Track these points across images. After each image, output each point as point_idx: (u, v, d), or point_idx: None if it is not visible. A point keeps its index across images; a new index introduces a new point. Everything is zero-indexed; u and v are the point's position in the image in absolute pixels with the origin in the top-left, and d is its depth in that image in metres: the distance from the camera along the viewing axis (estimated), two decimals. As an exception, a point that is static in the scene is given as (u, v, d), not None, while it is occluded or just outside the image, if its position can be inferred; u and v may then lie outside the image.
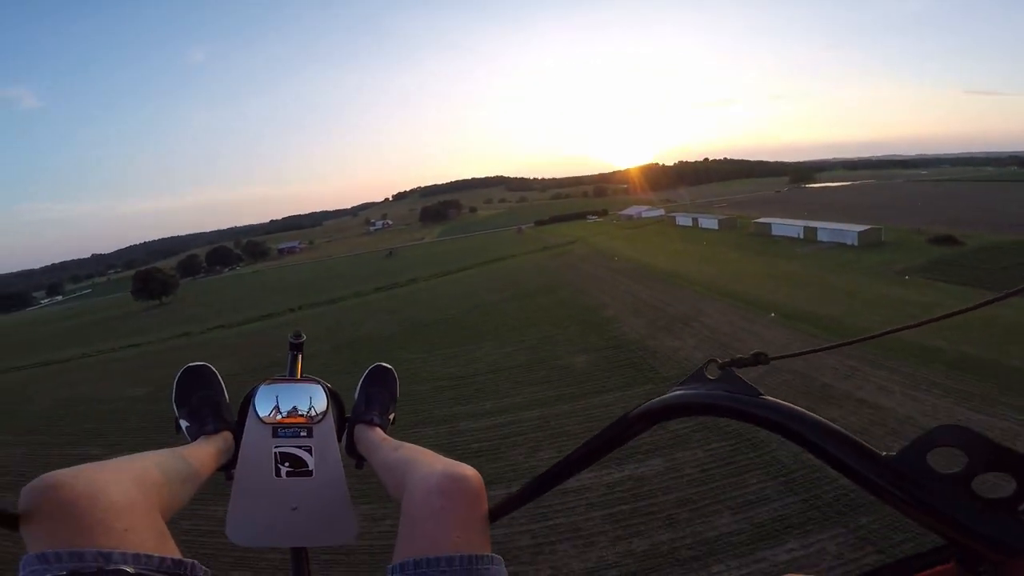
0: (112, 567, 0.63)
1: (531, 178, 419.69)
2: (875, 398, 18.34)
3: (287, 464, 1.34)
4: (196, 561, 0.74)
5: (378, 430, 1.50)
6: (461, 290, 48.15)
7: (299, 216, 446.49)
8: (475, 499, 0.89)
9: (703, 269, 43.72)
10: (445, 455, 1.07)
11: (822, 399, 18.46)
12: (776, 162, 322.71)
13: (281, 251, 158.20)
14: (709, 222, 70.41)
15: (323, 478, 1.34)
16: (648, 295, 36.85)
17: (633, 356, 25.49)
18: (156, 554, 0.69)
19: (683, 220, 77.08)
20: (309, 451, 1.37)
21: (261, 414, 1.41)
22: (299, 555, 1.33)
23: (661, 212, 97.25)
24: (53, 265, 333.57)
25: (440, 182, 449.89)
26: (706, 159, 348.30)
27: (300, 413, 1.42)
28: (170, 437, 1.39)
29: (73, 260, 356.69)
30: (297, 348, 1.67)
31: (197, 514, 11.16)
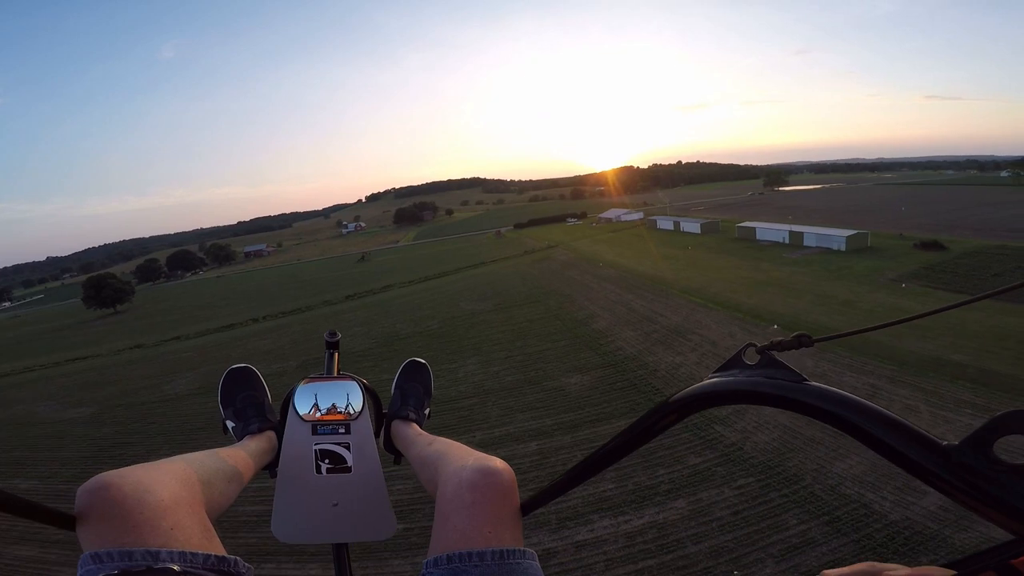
0: (160, 565, 0.66)
1: (508, 180, 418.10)
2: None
3: (327, 461, 1.35)
4: (239, 558, 0.77)
5: (414, 425, 1.50)
6: (440, 299, 45.38)
7: (268, 217, 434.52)
8: (507, 493, 0.90)
9: (691, 275, 42.11)
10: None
11: None
12: (748, 165, 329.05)
13: (247, 254, 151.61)
14: (691, 226, 69.36)
15: (362, 474, 1.35)
16: (639, 304, 34.88)
17: (632, 375, 23.33)
18: (201, 551, 0.72)
19: (664, 223, 75.93)
20: (348, 447, 1.37)
21: (301, 412, 1.41)
22: (340, 551, 1.31)
23: (640, 215, 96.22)
24: (5, 268, 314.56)
25: (415, 183, 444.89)
26: (679, 162, 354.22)
27: (338, 410, 1.42)
28: (217, 436, 1.39)
29: (28, 263, 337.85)
30: (333, 346, 1.64)
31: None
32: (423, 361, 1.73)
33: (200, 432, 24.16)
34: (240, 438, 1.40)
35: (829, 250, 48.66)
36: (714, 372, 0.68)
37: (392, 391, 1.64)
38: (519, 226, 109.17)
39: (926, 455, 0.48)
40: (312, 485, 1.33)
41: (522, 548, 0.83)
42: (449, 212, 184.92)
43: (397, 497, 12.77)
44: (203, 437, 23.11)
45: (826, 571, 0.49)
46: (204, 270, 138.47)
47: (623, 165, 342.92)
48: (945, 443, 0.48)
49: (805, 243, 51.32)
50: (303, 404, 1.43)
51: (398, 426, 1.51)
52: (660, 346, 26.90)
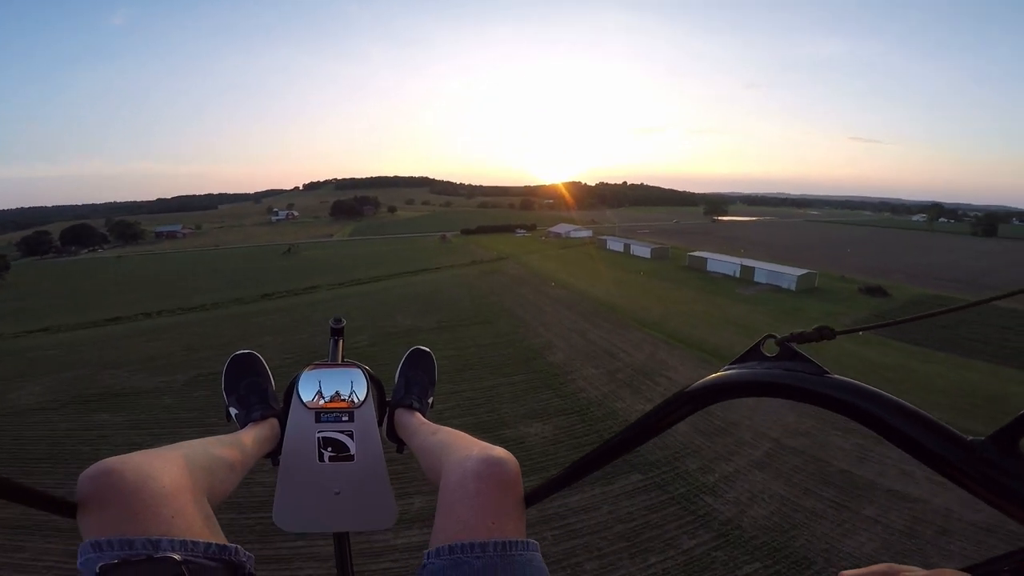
0: (160, 554, 0.65)
1: (458, 183, 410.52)
2: (904, 487, 15.97)
3: (329, 449, 1.34)
4: (239, 546, 0.76)
5: (417, 414, 1.49)
6: (374, 308, 40.06)
7: (192, 197, 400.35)
8: (510, 484, 0.89)
9: (648, 306, 39.68)
10: None
11: (849, 491, 15.95)
12: (689, 192, 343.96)
13: (159, 235, 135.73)
14: (641, 250, 68.10)
15: (364, 463, 1.34)
16: (597, 336, 31.64)
17: (601, 426, 19.71)
18: (202, 540, 0.71)
19: (614, 245, 74.40)
20: (351, 436, 1.37)
21: (304, 399, 1.41)
22: (341, 540, 1.32)
23: (589, 233, 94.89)
24: None
25: (360, 176, 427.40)
26: (625, 183, 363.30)
27: (342, 398, 1.42)
28: (220, 423, 1.40)
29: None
30: (338, 333, 1.64)
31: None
32: (427, 350, 1.70)
33: (41, 463, 17.97)
34: (243, 425, 1.38)
35: (779, 288, 48.28)
36: (730, 363, 0.66)
37: (395, 379, 1.62)
38: (467, 232, 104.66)
39: (950, 449, 0.48)
40: (314, 473, 1.31)
41: (525, 539, 0.83)
42: (392, 209, 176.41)
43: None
44: (41, 472, 17.01)
45: (844, 572, 0.49)
46: (104, 248, 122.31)
47: (572, 180, 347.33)
48: (970, 438, 0.48)
49: (756, 278, 50.82)
50: (307, 391, 1.42)
51: (401, 415, 1.49)
52: (626, 389, 23.63)
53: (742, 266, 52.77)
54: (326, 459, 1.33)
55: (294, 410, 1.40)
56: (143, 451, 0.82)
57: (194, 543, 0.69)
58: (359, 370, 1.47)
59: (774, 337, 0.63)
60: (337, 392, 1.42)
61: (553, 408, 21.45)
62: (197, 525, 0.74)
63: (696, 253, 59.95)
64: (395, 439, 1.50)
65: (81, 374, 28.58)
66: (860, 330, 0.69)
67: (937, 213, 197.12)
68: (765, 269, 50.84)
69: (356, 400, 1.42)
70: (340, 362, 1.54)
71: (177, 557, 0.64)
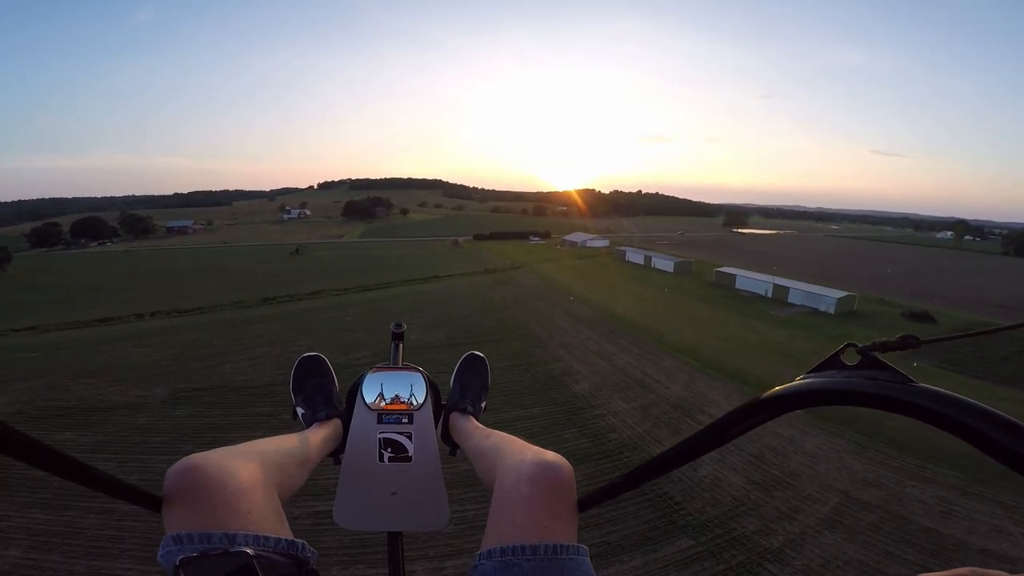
0: (235, 548, 0.68)
1: (471, 186, 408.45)
2: (998, 545, 13.87)
3: (389, 450, 1.38)
4: (305, 541, 0.79)
5: (471, 419, 1.51)
6: (379, 318, 37.17)
7: (208, 192, 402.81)
8: (564, 488, 0.90)
9: (677, 327, 36.36)
10: None
11: (937, 553, 13.61)
12: (707, 203, 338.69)
13: (170, 230, 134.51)
14: (663, 263, 64.62)
15: (421, 464, 1.38)
16: (626, 361, 28.42)
17: (647, 486, 16.63)
18: (273, 535, 0.75)
19: (634, 256, 71.01)
20: (409, 437, 1.41)
21: (368, 401, 1.45)
22: (395, 539, 1.32)
23: (606, 243, 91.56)
24: None
25: (374, 177, 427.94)
26: (640, 191, 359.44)
27: (402, 400, 1.46)
28: (287, 422, 1.43)
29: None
30: (398, 337, 1.71)
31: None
32: (481, 355, 1.73)
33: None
34: (308, 424, 1.43)
35: (816, 311, 44.73)
36: (807, 373, 0.64)
37: (451, 384, 1.65)
38: (479, 237, 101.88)
39: None
40: (374, 473, 1.34)
41: (576, 544, 0.83)
42: (404, 212, 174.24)
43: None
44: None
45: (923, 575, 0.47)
46: (114, 241, 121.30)
47: (585, 187, 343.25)
48: None
49: (790, 299, 47.24)
50: (370, 393, 1.46)
51: (456, 418, 1.51)
52: (664, 428, 20.44)
53: (775, 285, 49.18)
54: (386, 459, 1.36)
55: (358, 411, 1.44)
56: (224, 448, 0.89)
57: (266, 538, 0.73)
58: (419, 374, 1.52)
59: (855, 346, 0.60)
60: (397, 395, 1.47)
61: (580, 452, 18.30)
62: (269, 520, 0.79)
63: (724, 269, 56.42)
64: (449, 442, 1.51)
65: (55, 382, 26.10)
66: (947, 339, 0.63)
67: (963, 231, 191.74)
68: (801, 290, 47.23)
69: (415, 403, 1.46)
70: (400, 365, 1.57)
71: (250, 551, 0.67)
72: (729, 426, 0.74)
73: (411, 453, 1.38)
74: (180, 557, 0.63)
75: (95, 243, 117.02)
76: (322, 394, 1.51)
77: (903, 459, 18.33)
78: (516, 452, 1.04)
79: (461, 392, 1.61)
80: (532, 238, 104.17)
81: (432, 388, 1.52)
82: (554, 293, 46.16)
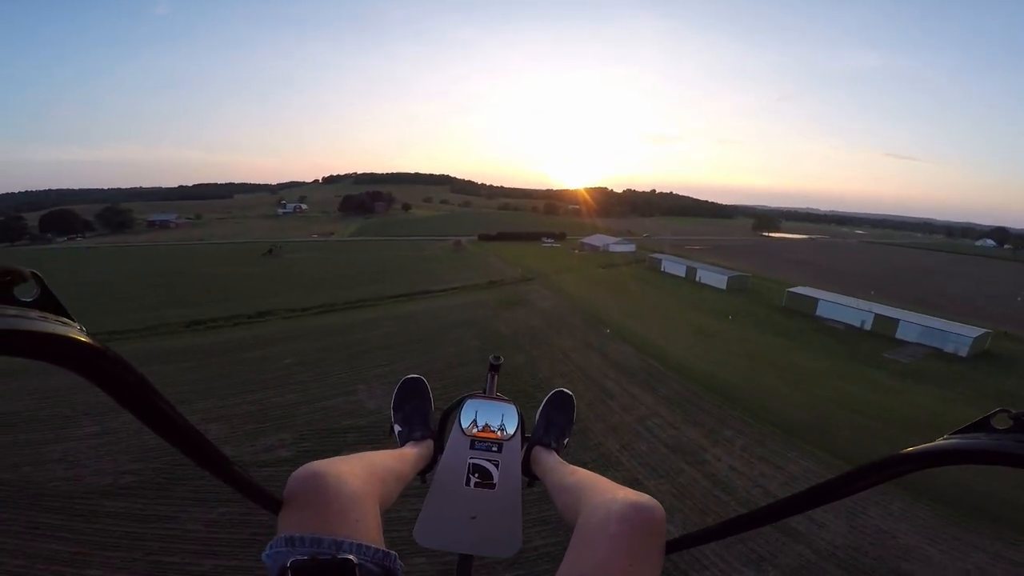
0: (341, 555, 0.71)
1: (479, 183, 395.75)
2: None
3: (476, 475, 1.42)
4: (396, 553, 0.81)
5: (554, 453, 1.54)
6: (335, 363, 25.60)
7: (211, 185, 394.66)
8: (654, 530, 0.86)
9: (773, 385, 24.35)
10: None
11: None
12: (726, 205, 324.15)
13: (151, 224, 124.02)
14: (712, 277, 52.23)
15: (503, 492, 1.40)
16: (727, 467, 16.49)
17: None
18: (373, 545, 0.77)
19: (672, 267, 58.66)
20: (496, 465, 1.44)
21: (463, 425, 1.51)
22: (466, 562, 1.33)
23: (633, 247, 79.13)
24: None
25: (380, 171, 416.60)
26: (654, 191, 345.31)
27: (493, 429, 1.51)
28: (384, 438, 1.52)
29: None
30: (495, 369, 1.74)
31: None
32: (569, 392, 1.75)
33: None
34: (403, 443, 1.50)
35: (940, 353, 32.54)
36: (952, 434, 0.61)
37: (536, 418, 1.67)
38: (485, 237, 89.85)
39: None
40: (460, 496, 1.38)
41: None
42: (407, 207, 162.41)
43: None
44: None
45: None
46: (87, 236, 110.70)
47: (597, 186, 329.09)
48: None
49: (900, 335, 34.94)
50: (466, 418, 1.52)
51: (539, 452, 1.54)
52: None
53: (876, 315, 36.86)
54: (472, 484, 1.40)
55: (454, 434, 1.50)
56: (341, 457, 0.95)
57: (367, 547, 0.76)
58: (512, 406, 1.59)
59: (1008, 411, 0.57)
60: (488, 424, 1.52)
61: None
62: (372, 531, 0.81)
63: (798, 290, 43.95)
64: (529, 474, 1.52)
65: None
66: None
67: (1002, 238, 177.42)
68: (915, 323, 34.90)
69: (506, 433, 1.51)
70: (495, 396, 1.64)
71: (354, 559, 0.70)
72: (853, 480, 0.68)
73: (496, 480, 1.41)
74: (292, 559, 0.67)
75: (64, 238, 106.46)
76: (419, 415, 1.58)
77: None
78: (606, 490, 1.01)
79: (546, 427, 1.62)
80: (545, 240, 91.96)
81: (522, 421, 1.57)
82: (582, 321, 34.16)
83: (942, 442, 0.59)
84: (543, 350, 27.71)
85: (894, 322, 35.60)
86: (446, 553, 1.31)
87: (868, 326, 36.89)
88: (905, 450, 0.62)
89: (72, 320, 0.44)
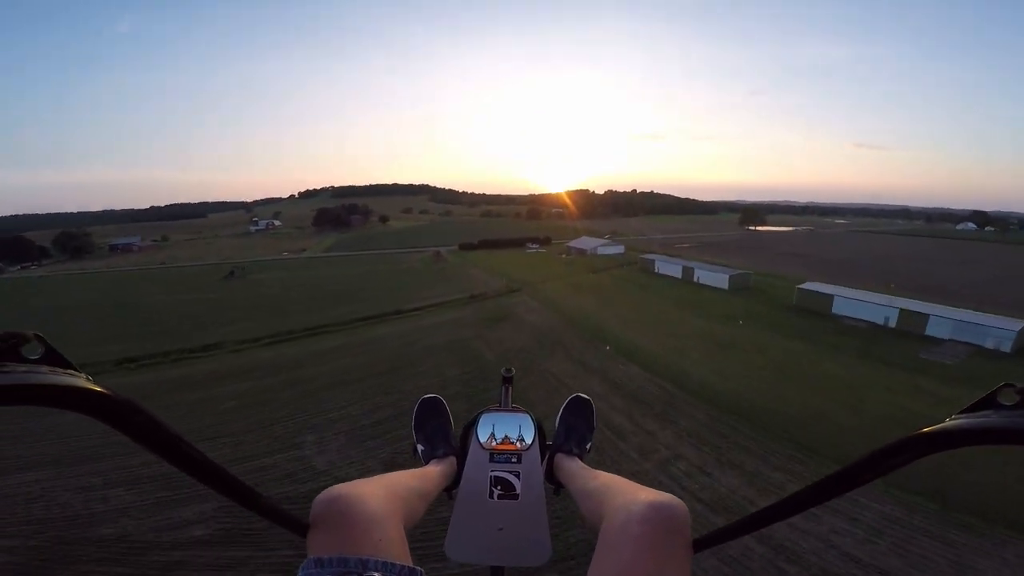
0: (367, 574, 0.74)
1: (460, 191, 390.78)
2: None
3: (499, 487, 1.43)
4: (423, 569, 0.82)
5: (577, 459, 1.53)
6: (275, 406, 20.94)
7: (185, 205, 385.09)
8: (678, 529, 0.86)
9: (812, 404, 20.32)
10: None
11: None
12: (702, 200, 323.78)
13: (113, 248, 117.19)
14: (712, 277, 48.39)
15: (527, 502, 1.41)
16: (788, 528, 12.23)
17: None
18: (398, 562, 0.79)
19: (667, 267, 54.81)
20: (517, 476, 1.45)
21: (481, 439, 1.53)
22: (498, 573, 1.38)
23: (622, 249, 75.38)
24: None
25: (359, 184, 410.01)
26: (635, 191, 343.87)
27: (511, 440, 1.53)
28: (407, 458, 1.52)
29: None
30: (508, 381, 1.76)
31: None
32: (587, 398, 1.73)
33: None
34: (427, 461, 1.52)
35: (980, 349, 28.95)
36: (958, 413, 0.59)
37: (556, 425, 1.67)
38: (466, 247, 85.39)
39: None
40: (484, 509, 1.40)
41: None
42: (384, 219, 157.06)
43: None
44: None
45: None
46: (43, 264, 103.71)
47: (578, 188, 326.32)
48: None
49: (930, 331, 31.30)
50: (483, 432, 1.55)
51: (561, 459, 1.53)
52: None
53: (901, 310, 33.21)
54: (495, 496, 1.41)
55: (472, 450, 1.52)
56: (362, 480, 0.97)
57: (392, 564, 0.77)
58: (527, 416, 1.60)
59: (1013, 386, 0.56)
60: (507, 435, 1.54)
61: None
62: (396, 548, 0.83)
63: (809, 286, 40.19)
64: (554, 481, 1.52)
65: None
66: None
67: (982, 221, 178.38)
68: (947, 318, 31.26)
69: (524, 443, 1.53)
70: (510, 407, 1.66)
71: None
72: (869, 467, 0.67)
73: (518, 491, 1.42)
74: None
75: (16, 267, 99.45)
76: (440, 433, 1.60)
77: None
78: (627, 492, 1.01)
79: (566, 434, 1.61)
80: (530, 245, 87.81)
81: (539, 429, 1.58)
82: (578, 338, 29.86)
83: (951, 423, 0.58)
84: (533, 377, 23.33)
85: (923, 317, 31.95)
86: (478, 567, 1.30)
87: (893, 323, 33.21)
88: (915, 432, 0.61)
89: (78, 371, 0.50)
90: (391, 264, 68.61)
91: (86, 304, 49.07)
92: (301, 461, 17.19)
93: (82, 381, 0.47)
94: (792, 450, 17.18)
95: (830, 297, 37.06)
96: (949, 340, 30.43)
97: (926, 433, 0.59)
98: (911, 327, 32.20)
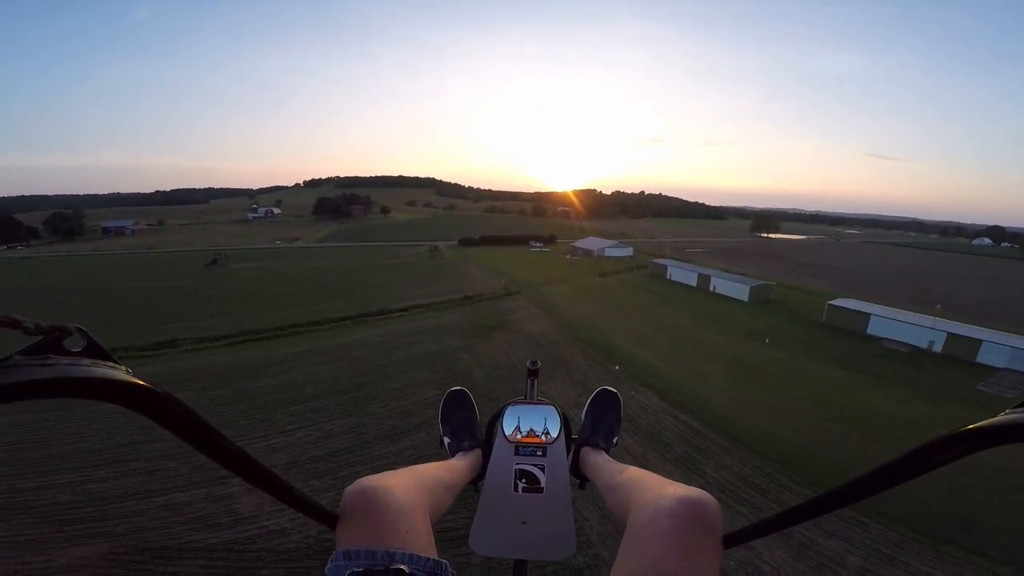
0: (394, 566, 0.74)
1: (465, 185, 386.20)
2: None
3: (523, 480, 1.42)
4: (448, 562, 0.82)
5: (603, 453, 1.51)
6: (232, 416, 17.21)
7: (189, 190, 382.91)
8: (708, 524, 0.82)
9: (880, 455, 16.55)
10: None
11: None
12: (710, 205, 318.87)
13: (106, 231, 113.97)
14: (731, 287, 44.39)
15: (551, 495, 1.40)
16: None
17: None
18: (424, 555, 0.80)
19: (680, 274, 50.84)
20: (542, 469, 1.44)
21: (506, 432, 1.51)
22: (521, 567, 1.34)
23: (631, 251, 71.42)
24: None
25: (364, 174, 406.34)
26: (643, 192, 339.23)
27: (536, 434, 1.51)
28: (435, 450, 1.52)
29: None
30: (533, 373, 1.74)
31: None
32: (614, 391, 1.71)
33: None
34: (453, 453, 1.53)
35: (1043, 383, 25.04)
36: (1013, 408, 0.56)
37: (582, 418, 1.66)
38: (466, 242, 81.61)
39: None
40: (509, 502, 1.39)
41: None
42: (386, 211, 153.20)
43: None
44: None
45: None
46: (31, 245, 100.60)
47: (585, 188, 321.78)
48: None
49: (982, 359, 27.39)
50: (509, 425, 1.53)
51: (587, 453, 1.51)
52: None
53: (948, 334, 29.26)
54: (520, 490, 1.40)
55: (498, 442, 1.50)
56: (391, 472, 0.98)
57: (418, 557, 0.78)
58: (553, 408, 1.57)
59: None
60: (532, 428, 1.52)
61: None
62: (423, 540, 0.84)
63: (840, 303, 36.20)
64: (579, 475, 1.51)
65: None
66: None
67: (999, 236, 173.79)
68: (1002, 344, 27.33)
69: (549, 436, 1.50)
70: (535, 400, 1.63)
71: (406, 569, 0.74)
72: (913, 463, 0.63)
73: (543, 484, 1.41)
74: (349, 571, 0.72)
75: (3, 247, 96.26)
76: (466, 426, 1.61)
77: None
78: (656, 487, 0.98)
79: (593, 427, 1.60)
80: (534, 244, 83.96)
81: (564, 422, 1.55)
82: (582, 354, 26.06)
83: (1003, 418, 0.54)
84: (529, 401, 19.51)
85: (975, 343, 28.01)
86: (501, 560, 1.30)
87: (938, 348, 29.27)
88: (963, 427, 0.57)
89: (118, 364, 0.50)
90: (385, 257, 64.81)
91: (52, 288, 45.57)
92: (221, 501, 13.52)
93: (122, 374, 0.48)
94: (856, 512, 13.44)
95: (866, 316, 33.10)
96: (1005, 369, 26.53)
97: (976, 428, 0.56)
98: (960, 353, 28.26)
